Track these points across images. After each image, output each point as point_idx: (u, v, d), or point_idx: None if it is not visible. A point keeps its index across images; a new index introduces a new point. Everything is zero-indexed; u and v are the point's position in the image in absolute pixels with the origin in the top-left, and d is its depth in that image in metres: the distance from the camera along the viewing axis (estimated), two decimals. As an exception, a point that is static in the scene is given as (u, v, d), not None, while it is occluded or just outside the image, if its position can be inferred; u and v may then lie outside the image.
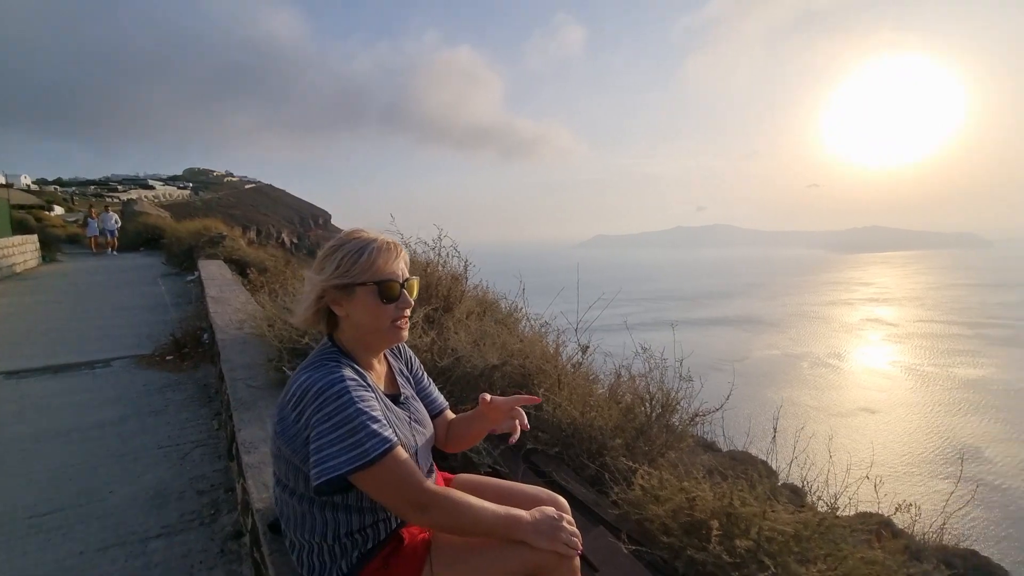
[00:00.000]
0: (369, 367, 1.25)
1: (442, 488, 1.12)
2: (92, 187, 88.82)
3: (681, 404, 2.92)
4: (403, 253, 1.25)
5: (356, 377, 1.12)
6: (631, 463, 2.25)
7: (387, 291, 1.17)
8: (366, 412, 1.06)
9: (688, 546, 1.89)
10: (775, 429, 2.71)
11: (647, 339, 3.32)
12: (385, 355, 1.36)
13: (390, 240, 1.23)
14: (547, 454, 2.73)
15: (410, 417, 1.29)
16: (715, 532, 1.74)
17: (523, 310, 4.07)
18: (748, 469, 3.33)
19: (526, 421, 1.35)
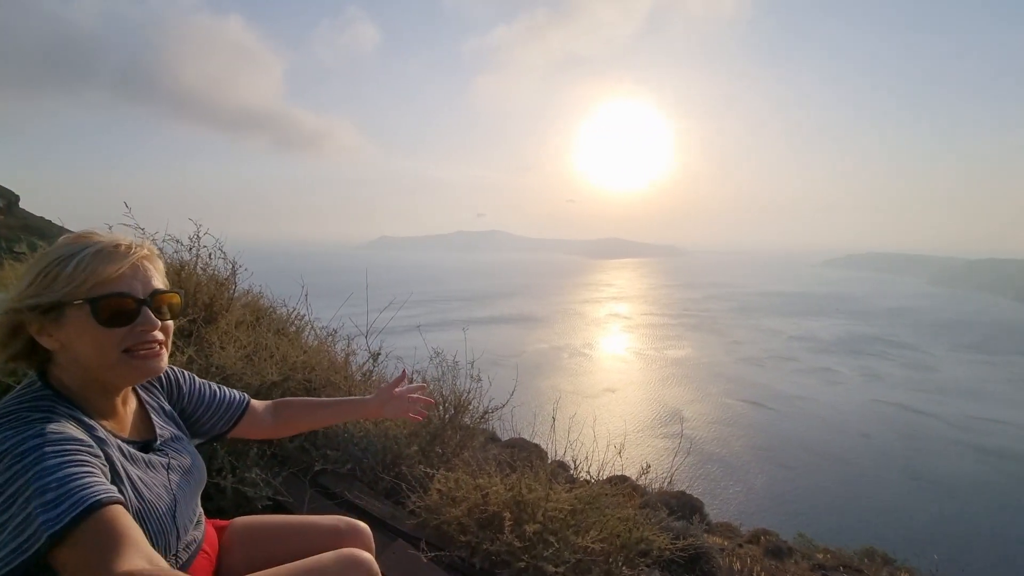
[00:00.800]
0: (106, 413, 0.94)
1: (150, 571, 0.71)
2: None
3: (472, 404, 3.05)
4: (151, 258, 0.97)
5: (73, 434, 0.80)
6: (427, 469, 2.25)
7: (107, 310, 0.86)
8: (71, 463, 0.75)
9: (484, 540, 1.98)
10: (554, 417, 3.01)
11: (436, 340, 3.40)
12: (134, 390, 1.06)
13: (122, 241, 0.92)
14: (337, 473, 2.54)
15: (168, 464, 1.02)
16: (507, 523, 1.86)
17: (306, 317, 3.71)
18: (530, 455, 3.67)
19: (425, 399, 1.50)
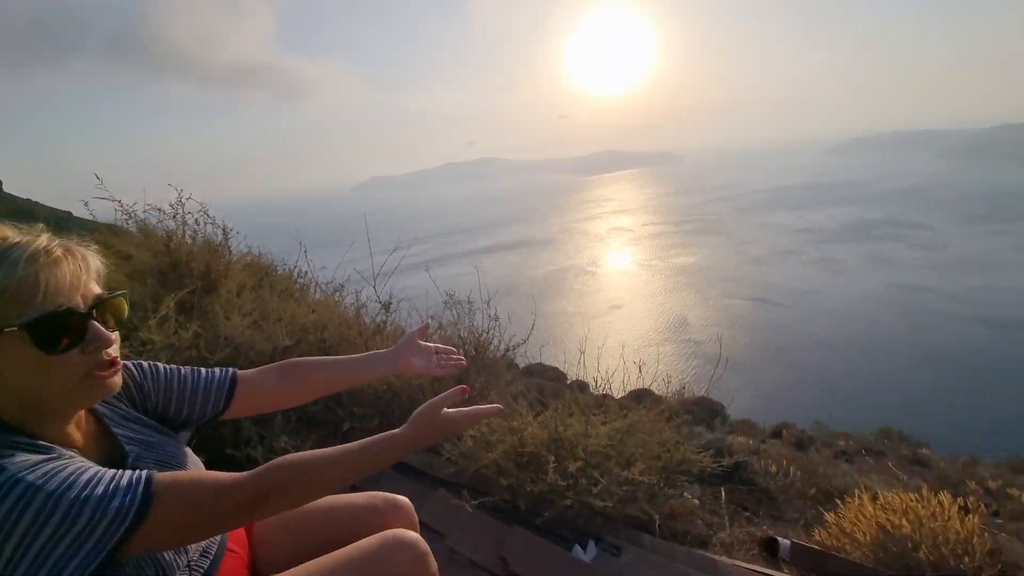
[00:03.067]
0: (63, 439, 0.78)
1: (264, 468, 0.78)
2: None
3: (492, 343, 2.96)
4: (88, 258, 0.77)
5: (38, 458, 0.67)
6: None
7: (46, 335, 0.70)
8: (83, 471, 0.67)
9: (525, 481, 1.95)
10: (584, 350, 2.92)
11: (444, 276, 3.27)
12: (91, 410, 0.88)
13: (43, 242, 0.72)
14: (366, 429, 2.51)
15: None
16: (551, 464, 1.80)
17: (309, 274, 3.57)
18: (558, 386, 3.64)
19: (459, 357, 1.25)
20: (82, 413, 0.84)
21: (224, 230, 3.03)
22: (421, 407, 0.97)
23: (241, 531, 1.08)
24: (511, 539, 1.80)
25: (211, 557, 0.94)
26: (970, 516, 1.59)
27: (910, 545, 1.57)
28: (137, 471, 0.70)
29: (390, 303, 3.24)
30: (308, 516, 1.15)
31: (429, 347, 1.28)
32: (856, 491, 2.05)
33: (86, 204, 2.79)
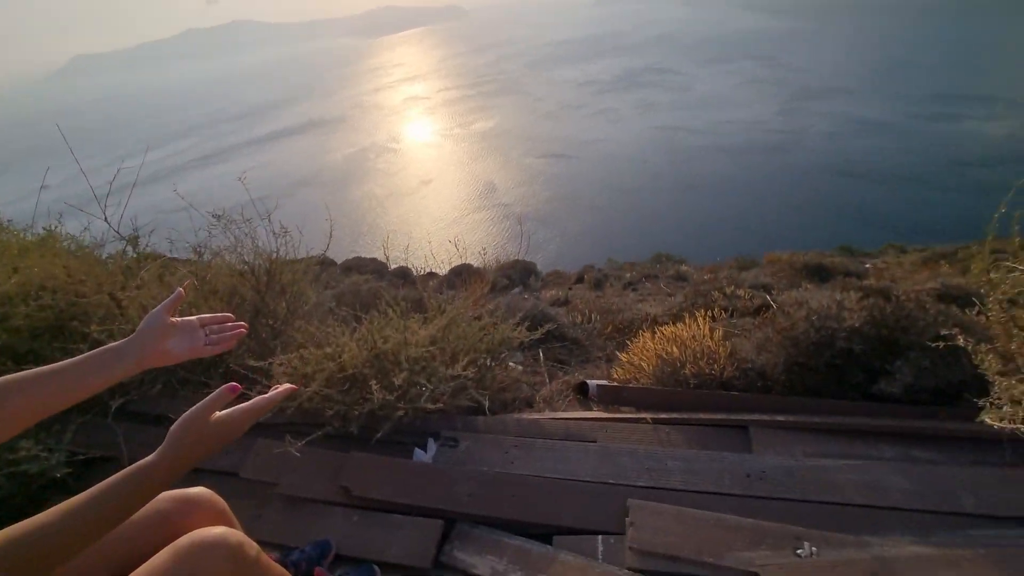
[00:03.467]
0: None
1: None
2: None
3: (285, 260, 2.61)
4: None
5: None
6: (263, 361, 1.94)
7: None
8: None
9: (354, 404, 1.87)
10: (417, 236, 2.73)
11: (215, 179, 2.70)
12: None
13: None
14: (148, 397, 2.10)
15: None
16: (373, 382, 1.73)
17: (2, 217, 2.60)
18: (375, 289, 3.47)
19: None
20: None
21: None
22: (179, 420, 0.78)
23: None
24: (347, 465, 1.76)
25: None
26: (717, 328, 2.06)
27: (679, 365, 1.98)
28: None
29: (137, 236, 2.59)
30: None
31: (190, 321, 0.99)
32: (641, 329, 2.47)
33: None
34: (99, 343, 1.98)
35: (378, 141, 79.98)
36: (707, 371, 1.96)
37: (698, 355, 2.02)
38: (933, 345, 1.60)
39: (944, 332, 1.59)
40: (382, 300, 2.31)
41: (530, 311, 3.08)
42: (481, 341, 2.21)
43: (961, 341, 1.45)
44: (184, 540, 0.89)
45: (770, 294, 3.79)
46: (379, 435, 1.80)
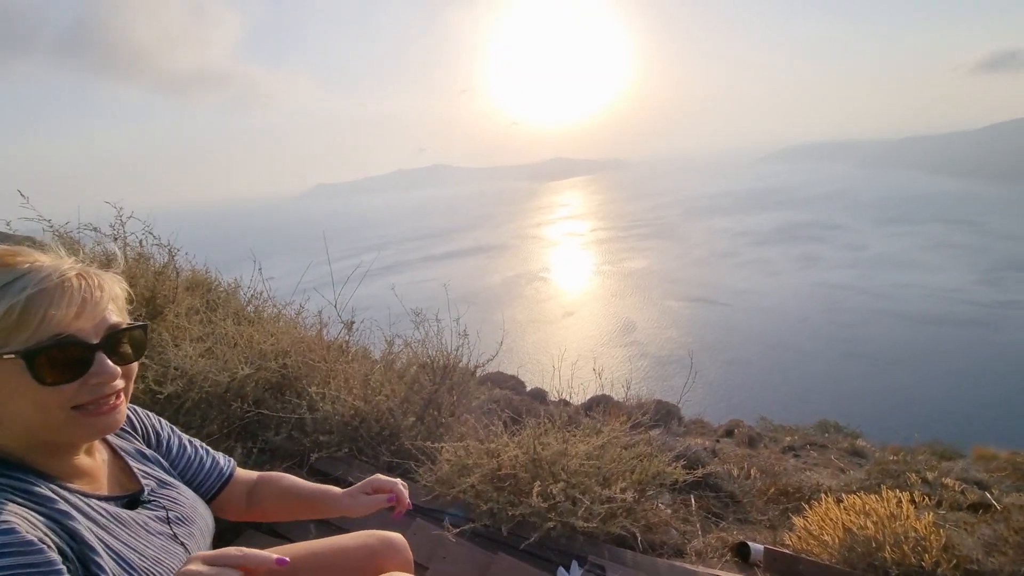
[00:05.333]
0: (69, 473, 0.73)
1: None
2: None
3: (462, 361, 2.92)
4: (107, 286, 0.72)
5: (27, 514, 0.61)
6: (430, 443, 2.13)
7: (48, 364, 0.64)
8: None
9: (507, 505, 1.92)
10: (557, 362, 2.92)
11: (402, 283, 3.23)
12: (105, 439, 0.84)
13: (65, 269, 0.67)
14: (335, 458, 2.40)
15: (167, 518, 0.83)
16: (535, 487, 1.79)
17: (264, 293, 3.39)
18: (528, 401, 3.63)
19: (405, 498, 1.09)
20: (96, 443, 0.80)
21: (170, 251, 2.83)
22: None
23: None
24: (496, 567, 1.77)
25: None
26: (926, 514, 1.71)
27: (874, 545, 1.67)
28: None
29: (352, 322, 3.14)
30: (298, 562, 1.09)
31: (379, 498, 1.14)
32: (821, 494, 2.16)
33: (8, 224, 2.56)
34: (313, 403, 2.39)
35: (532, 269, 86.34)
36: (913, 561, 1.61)
37: (901, 539, 1.68)
38: None
39: None
40: (540, 411, 2.43)
41: (683, 451, 2.91)
42: (633, 472, 2.15)
43: None
44: None
45: (990, 492, 3.06)
46: (527, 543, 1.80)
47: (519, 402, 3.77)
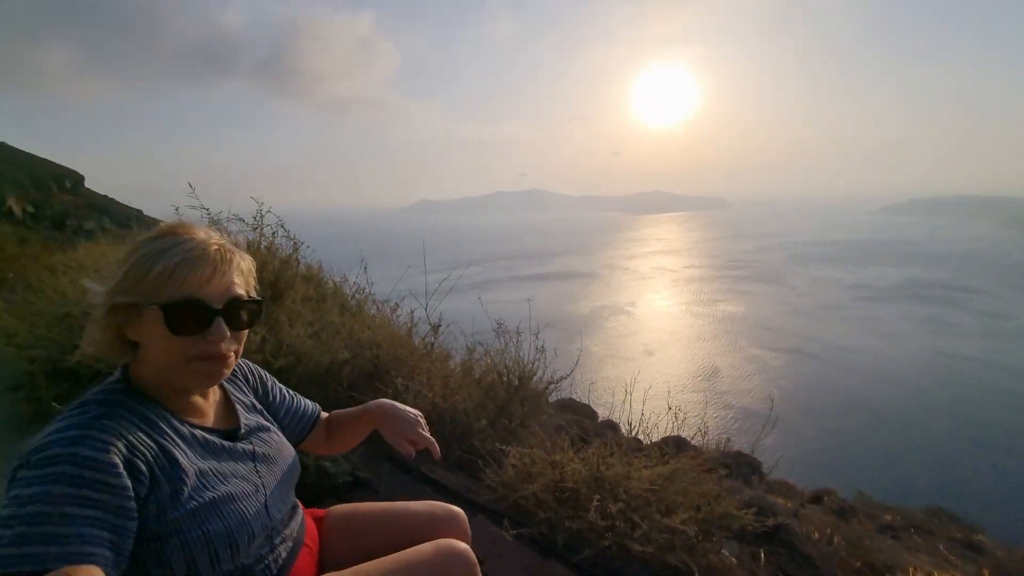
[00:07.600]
0: (185, 408, 0.93)
1: None
2: None
3: (536, 375, 3.01)
4: (236, 263, 0.91)
5: (108, 459, 0.73)
6: (500, 445, 2.24)
7: (178, 317, 0.83)
8: (75, 501, 0.68)
9: (565, 517, 1.96)
10: (629, 391, 2.93)
11: (489, 300, 3.39)
12: (221, 384, 1.04)
13: (212, 242, 0.88)
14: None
15: (254, 453, 1.00)
16: (594, 502, 1.82)
17: (367, 290, 3.74)
18: (598, 427, 3.63)
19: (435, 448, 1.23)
20: (214, 388, 1.01)
21: (295, 244, 3.25)
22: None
23: (313, 527, 1.17)
24: (547, 574, 1.82)
25: (290, 546, 1.03)
26: None
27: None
28: (31, 558, 0.64)
29: (439, 325, 3.36)
30: (370, 519, 1.24)
31: (419, 419, 1.28)
32: (911, 568, 1.96)
33: (176, 209, 3.09)
34: (398, 393, 2.60)
35: (617, 302, 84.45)
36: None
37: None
38: None
39: None
40: (608, 434, 2.45)
41: (756, 500, 2.75)
42: (700, 508, 2.10)
43: None
44: (444, 542, 1.15)
45: None
46: (580, 557, 1.83)
47: (588, 425, 3.77)
